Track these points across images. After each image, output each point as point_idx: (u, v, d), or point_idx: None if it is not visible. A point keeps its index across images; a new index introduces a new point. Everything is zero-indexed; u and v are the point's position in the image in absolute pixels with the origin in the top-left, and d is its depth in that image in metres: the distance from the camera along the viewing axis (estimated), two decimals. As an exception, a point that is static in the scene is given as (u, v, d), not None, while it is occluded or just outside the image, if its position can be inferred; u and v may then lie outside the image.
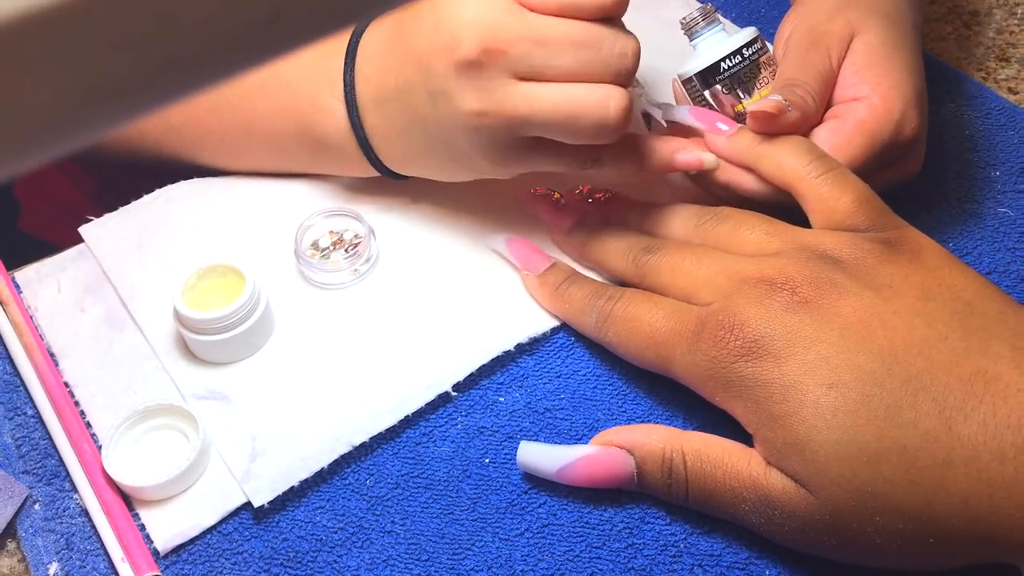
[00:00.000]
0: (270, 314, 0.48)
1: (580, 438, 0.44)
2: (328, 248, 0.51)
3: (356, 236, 0.51)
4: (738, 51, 0.48)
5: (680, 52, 0.51)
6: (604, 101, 0.42)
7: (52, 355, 0.48)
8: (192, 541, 0.42)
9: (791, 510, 0.37)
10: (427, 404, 0.45)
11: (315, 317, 0.49)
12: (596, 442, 0.42)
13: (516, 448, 0.44)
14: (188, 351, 0.48)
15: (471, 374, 0.46)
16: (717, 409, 0.41)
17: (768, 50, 0.49)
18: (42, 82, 0.14)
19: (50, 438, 0.45)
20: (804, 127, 0.46)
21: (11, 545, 0.43)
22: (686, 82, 0.50)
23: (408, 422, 0.45)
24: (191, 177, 0.55)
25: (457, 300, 0.49)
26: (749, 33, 0.49)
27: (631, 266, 0.45)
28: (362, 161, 0.49)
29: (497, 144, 0.44)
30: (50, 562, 0.42)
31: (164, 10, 0.14)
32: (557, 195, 0.51)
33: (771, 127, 0.45)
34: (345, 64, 0.47)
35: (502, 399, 0.46)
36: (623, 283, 0.47)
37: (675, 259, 0.44)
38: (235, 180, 0.55)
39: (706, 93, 0.49)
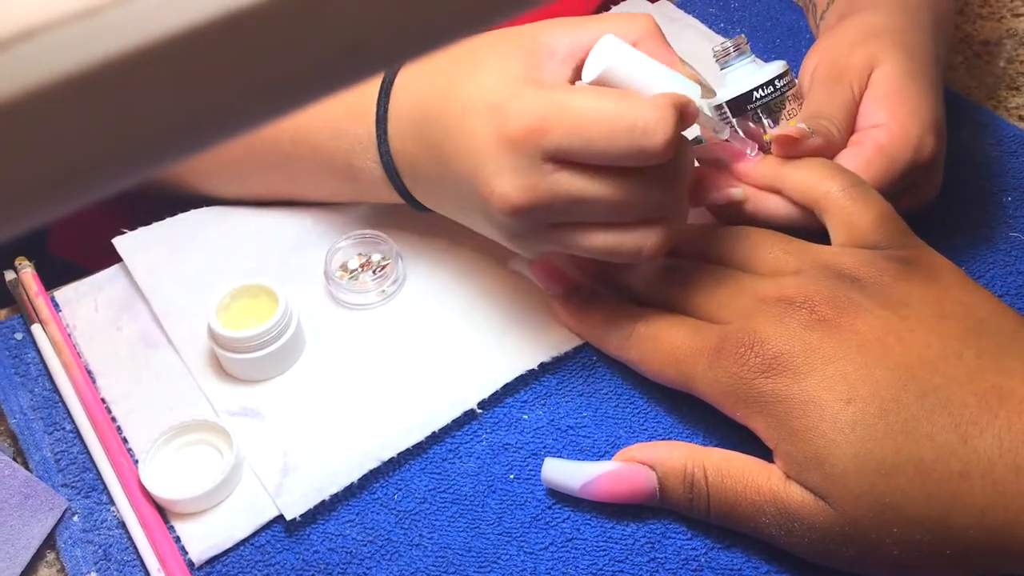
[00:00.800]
0: (301, 333, 0.50)
1: (603, 455, 0.45)
2: (356, 270, 0.52)
3: (384, 258, 0.52)
4: (770, 82, 0.50)
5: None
6: (637, 244, 0.43)
7: (90, 372, 0.50)
8: (226, 552, 0.43)
9: (811, 522, 0.38)
10: (453, 421, 0.46)
11: (344, 336, 0.50)
12: (619, 459, 0.43)
13: (540, 464, 0.45)
14: (221, 369, 0.49)
15: (496, 392, 0.47)
16: (737, 425, 0.42)
17: (795, 83, 0.51)
18: (138, 117, 0.15)
19: (88, 453, 0.47)
20: (828, 153, 0.47)
21: (50, 556, 0.44)
22: (717, 108, 0.51)
23: (435, 438, 0.46)
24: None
25: (481, 320, 0.50)
26: (780, 66, 0.50)
27: (654, 286, 0.47)
28: (391, 190, 0.49)
29: (531, 252, 0.46)
30: (88, 572, 0.43)
31: (246, 43, 0.15)
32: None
33: (794, 151, 0.46)
34: (378, 113, 0.47)
35: (526, 416, 0.47)
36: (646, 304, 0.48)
37: (696, 279, 0.45)
38: (267, 208, 0.56)
39: (735, 121, 0.50)
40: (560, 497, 0.44)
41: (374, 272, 0.52)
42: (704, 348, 0.42)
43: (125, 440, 0.47)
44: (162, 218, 0.56)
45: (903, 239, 0.43)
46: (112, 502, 0.45)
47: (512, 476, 0.45)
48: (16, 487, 0.43)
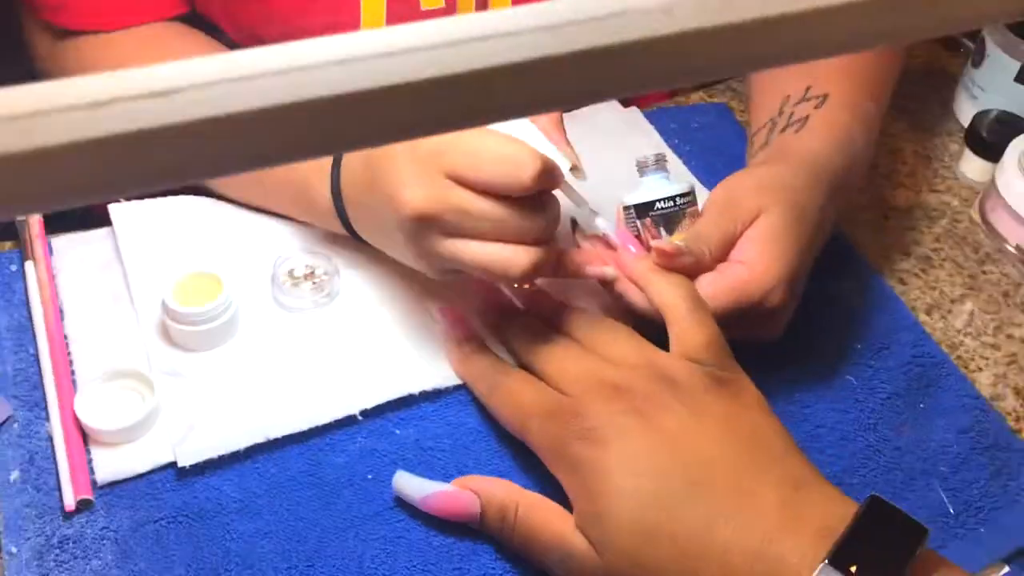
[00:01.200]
0: (236, 320, 0.59)
1: (448, 476, 0.54)
2: (300, 278, 0.62)
3: (324, 273, 0.62)
4: (672, 198, 0.59)
5: (629, 184, 0.62)
6: (510, 260, 0.52)
7: (61, 311, 0.60)
8: (124, 481, 0.53)
9: (584, 567, 0.47)
10: (336, 420, 0.56)
11: (272, 331, 0.60)
12: (457, 483, 0.52)
13: (394, 471, 0.54)
14: (166, 334, 0.59)
15: (379, 405, 0.56)
16: (553, 477, 0.51)
17: (696, 204, 0.60)
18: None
19: (40, 375, 0.57)
20: (695, 272, 0.56)
21: (-12, 450, 0.54)
22: (626, 208, 0.61)
23: (318, 431, 0.55)
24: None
25: (387, 343, 0.60)
26: (685, 186, 0.60)
27: (527, 348, 0.56)
28: (339, 224, 0.60)
29: (432, 267, 0.55)
30: (14, 469, 0.53)
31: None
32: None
33: (668, 264, 0.55)
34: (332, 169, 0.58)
35: (398, 431, 0.56)
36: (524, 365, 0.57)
37: (561, 354, 0.54)
38: (246, 210, 0.66)
39: (638, 222, 0.60)
40: (404, 504, 0.53)
41: (313, 283, 0.61)
42: (542, 409, 0.51)
43: (73, 372, 0.57)
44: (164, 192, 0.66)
45: (724, 361, 0.52)
46: (48, 419, 0.55)
47: (370, 476, 0.54)
48: (-26, 388, 0.53)
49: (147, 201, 0.65)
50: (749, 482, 0.46)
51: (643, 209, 0.59)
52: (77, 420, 0.54)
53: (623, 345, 0.53)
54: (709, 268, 0.56)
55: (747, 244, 0.57)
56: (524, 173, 0.50)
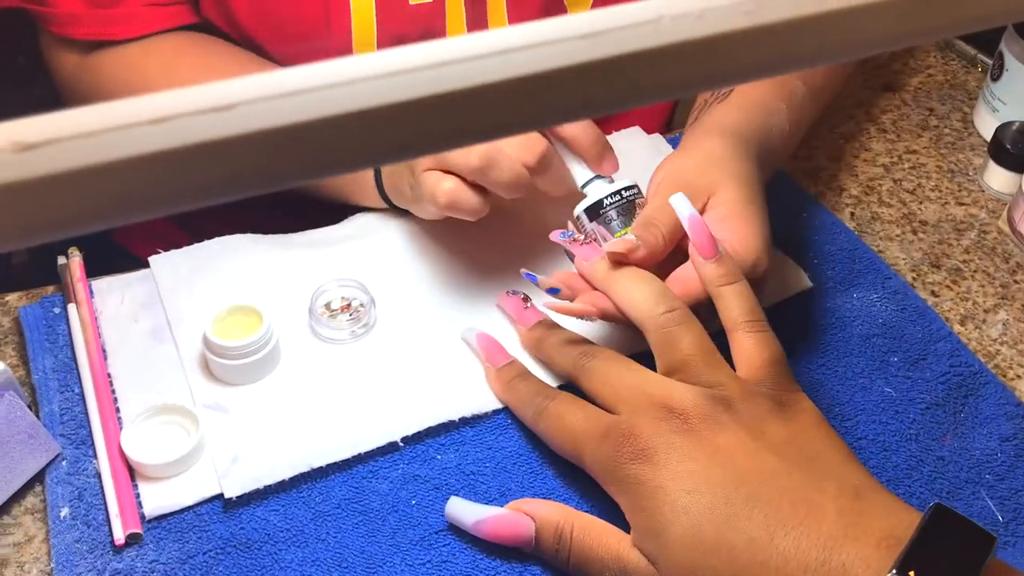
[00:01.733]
0: (277, 353, 0.60)
1: (492, 500, 0.55)
2: (337, 310, 0.63)
3: (361, 304, 0.63)
4: (617, 192, 0.61)
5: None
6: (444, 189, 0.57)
7: (104, 351, 0.61)
8: (172, 514, 0.53)
9: None
10: (378, 448, 0.56)
11: (313, 363, 0.61)
12: (510, 507, 0.52)
13: (440, 496, 0.54)
14: (207, 369, 0.60)
15: (419, 431, 0.57)
16: (608, 496, 0.51)
17: (643, 196, 0.61)
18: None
19: (86, 413, 0.58)
20: (650, 262, 0.56)
21: (37, 488, 0.55)
22: (577, 219, 0.62)
23: (360, 459, 0.56)
24: (248, 230, 0.68)
25: (426, 371, 0.60)
26: (628, 180, 0.61)
27: (571, 367, 0.56)
28: (378, 196, 0.67)
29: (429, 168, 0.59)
30: (63, 506, 0.53)
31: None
32: (524, 299, 0.62)
33: (622, 261, 0.56)
34: None
35: (439, 456, 0.57)
36: (567, 381, 0.57)
37: (606, 369, 0.54)
38: (278, 242, 0.68)
39: (591, 226, 0.61)
40: (447, 528, 0.53)
41: (350, 315, 0.62)
42: (594, 432, 0.51)
43: (118, 409, 0.58)
44: (202, 226, 0.67)
45: (784, 382, 0.51)
46: (95, 456, 0.55)
47: (414, 502, 0.55)
48: (24, 427, 0.54)
49: (185, 249, 0.67)
50: (808, 492, 0.46)
51: (593, 211, 0.61)
52: (124, 456, 0.55)
53: (699, 364, 0.52)
54: (663, 253, 0.57)
55: (717, 224, 0.57)
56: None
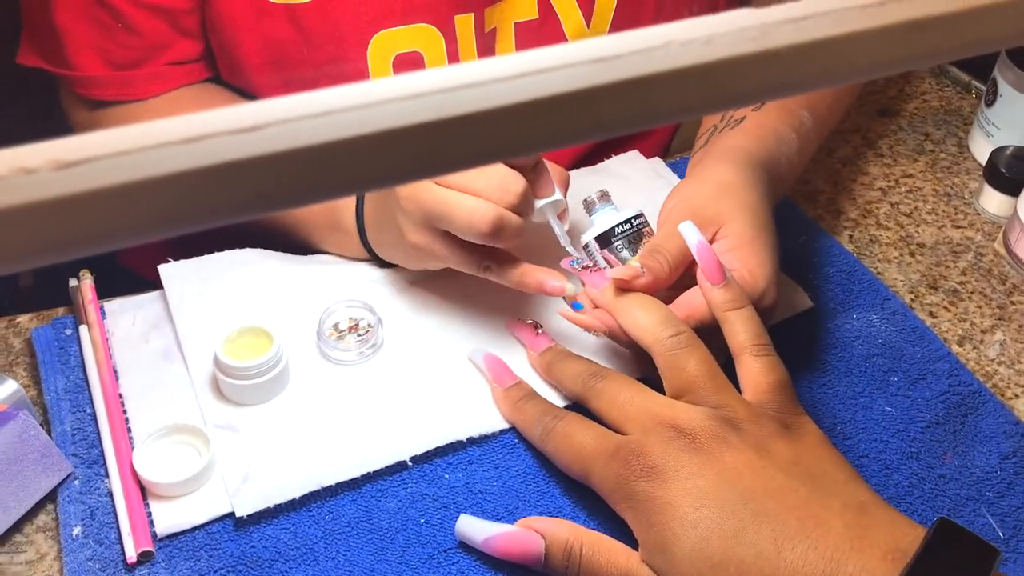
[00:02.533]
0: (287, 373, 0.61)
1: (500, 518, 0.55)
2: (345, 331, 0.64)
3: (368, 325, 0.64)
4: (627, 220, 0.63)
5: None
6: (473, 210, 0.55)
7: (115, 371, 0.62)
8: (184, 532, 0.54)
9: None
10: (387, 467, 0.57)
11: (322, 384, 0.62)
12: (520, 525, 0.53)
13: (449, 515, 0.55)
14: (218, 389, 0.61)
15: (428, 451, 0.58)
16: (613, 514, 0.52)
17: (649, 224, 0.63)
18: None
19: (98, 433, 0.58)
20: (655, 289, 0.57)
21: (50, 506, 0.55)
22: (586, 247, 0.63)
23: (369, 478, 0.57)
24: (258, 245, 0.69)
25: (433, 391, 0.61)
26: (635, 209, 0.63)
27: (581, 388, 0.57)
28: (359, 243, 0.66)
29: (417, 226, 0.58)
30: (76, 524, 0.54)
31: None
32: (535, 326, 0.63)
33: (626, 288, 0.57)
34: None
35: (447, 476, 0.57)
36: (575, 402, 0.58)
37: (615, 390, 0.55)
38: (287, 258, 0.69)
39: (600, 254, 0.62)
40: (455, 546, 0.54)
41: (358, 336, 0.63)
42: (603, 451, 0.52)
43: (129, 429, 0.59)
44: (210, 247, 0.68)
45: (788, 405, 0.52)
46: (107, 475, 0.56)
47: (423, 520, 0.55)
48: (37, 447, 0.54)
49: (195, 260, 0.68)
50: (814, 508, 0.47)
51: (604, 239, 0.62)
52: (136, 475, 0.55)
53: (705, 387, 0.53)
54: (668, 281, 0.58)
55: (727, 255, 0.58)
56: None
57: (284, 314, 0.65)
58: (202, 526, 0.54)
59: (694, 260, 0.57)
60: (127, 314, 0.65)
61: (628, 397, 0.54)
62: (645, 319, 0.55)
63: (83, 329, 0.64)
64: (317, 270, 0.68)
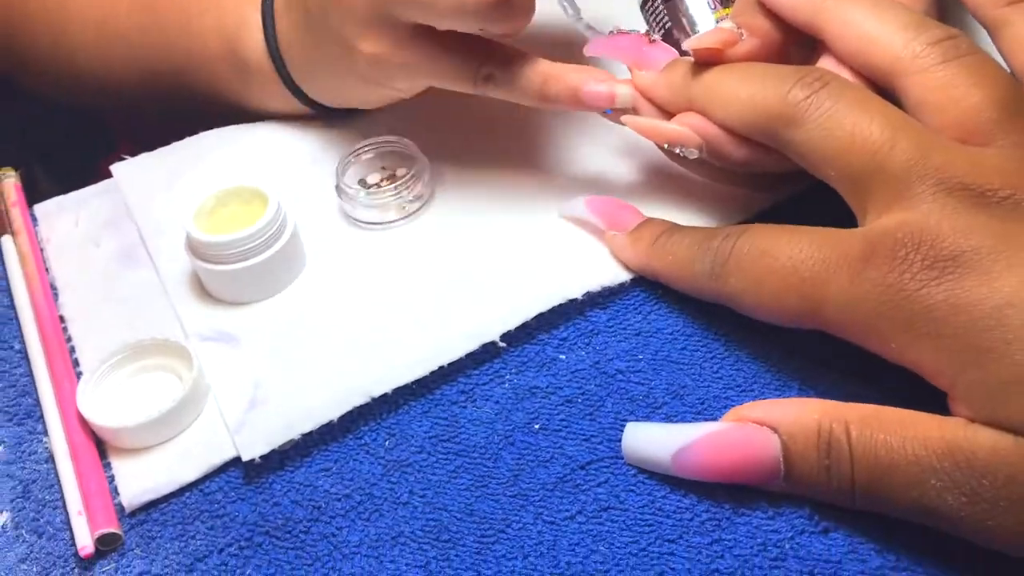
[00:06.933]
0: (299, 249, 0.41)
1: (660, 407, 0.34)
2: (376, 185, 0.43)
3: (409, 173, 0.43)
4: None
5: None
6: None
7: (54, 289, 0.42)
8: (166, 499, 0.34)
9: (1010, 473, 0.26)
10: (468, 356, 0.36)
11: (352, 257, 0.41)
12: (729, 418, 0.32)
13: (575, 414, 0.34)
14: (202, 290, 0.40)
15: (526, 323, 0.37)
16: (854, 377, 0.31)
17: None
18: None
19: (31, 375, 0.39)
20: (768, 58, 0.36)
21: (-36, 490, 0.36)
22: (645, 2, 0.42)
23: (444, 376, 0.36)
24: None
25: (518, 245, 0.40)
26: None
27: (781, 105, 0.33)
28: (279, 83, 0.44)
29: (371, 25, 0.38)
30: (2, 511, 0.34)
31: None
32: (646, 33, 0.40)
33: (718, 59, 0.36)
34: None
35: (563, 356, 0.36)
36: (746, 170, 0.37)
37: (853, 100, 0.32)
38: (289, 124, 0.48)
39: (662, 11, 0.41)
40: (600, 459, 0.33)
41: (396, 186, 0.42)
42: (842, 257, 0.30)
43: (76, 363, 0.39)
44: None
45: None
46: (46, 432, 0.36)
47: (538, 426, 0.34)
48: (-71, 402, 0.35)
49: (156, 152, 0.47)
50: None
51: None
52: (86, 424, 0.35)
53: (981, 89, 0.31)
54: (786, 47, 0.36)
55: None
56: None
57: (289, 181, 0.45)
58: (193, 485, 0.34)
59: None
60: (67, 214, 0.46)
61: (883, 118, 0.31)
62: (875, 25, 0.33)
63: (5, 239, 0.44)
64: (334, 126, 0.47)
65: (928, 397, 0.29)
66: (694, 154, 0.36)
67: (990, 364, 0.27)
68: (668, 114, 0.38)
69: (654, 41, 0.38)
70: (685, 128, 0.36)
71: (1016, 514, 0.26)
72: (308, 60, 0.43)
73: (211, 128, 0.48)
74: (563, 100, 0.39)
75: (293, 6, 0.42)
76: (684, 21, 0.41)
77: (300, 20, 0.42)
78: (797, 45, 0.37)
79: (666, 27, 0.41)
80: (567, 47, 0.45)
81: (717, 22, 0.39)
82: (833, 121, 0.31)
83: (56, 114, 0.67)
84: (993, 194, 0.29)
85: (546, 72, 0.39)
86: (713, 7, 0.41)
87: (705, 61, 0.36)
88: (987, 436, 0.27)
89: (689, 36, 0.40)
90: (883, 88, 0.33)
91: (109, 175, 0.47)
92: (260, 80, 0.45)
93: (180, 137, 0.48)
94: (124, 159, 0.47)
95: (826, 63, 0.35)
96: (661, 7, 0.41)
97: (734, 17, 0.37)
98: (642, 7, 0.42)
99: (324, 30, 0.40)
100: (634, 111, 0.39)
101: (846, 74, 0.34)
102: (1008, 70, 0.33)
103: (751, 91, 0.34)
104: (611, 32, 0.39)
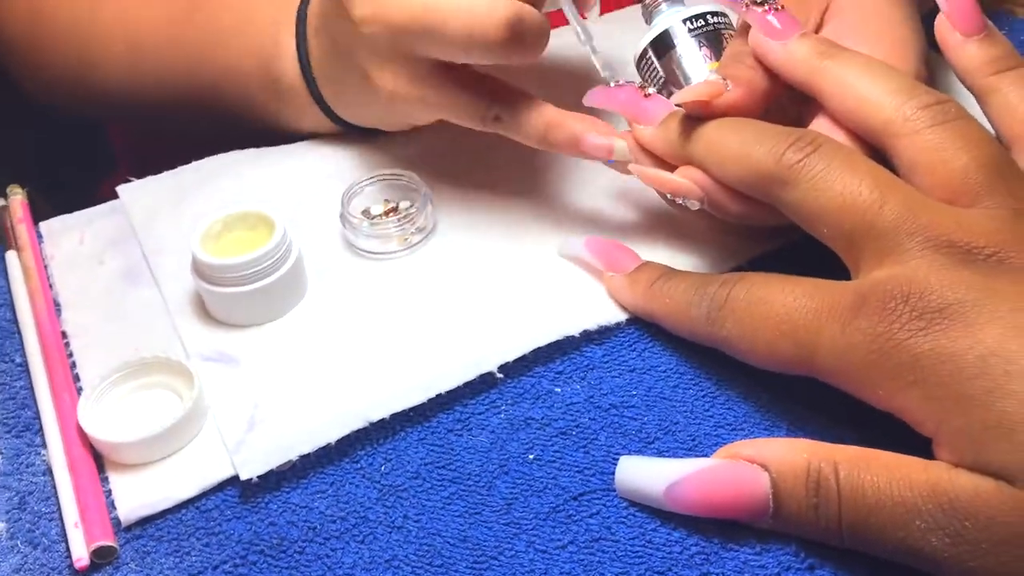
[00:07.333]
0: (302, 274, 0.41)
1: (652, 441, 0.35)
2: (379, 216, 0.44)
3: (412, 206, 0.44)
4: (701, 15, 0.42)
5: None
6: (474, 6, 0.36)
7: (57, 305, 0.43)
8: (162, 515, 0.34)
9: (990, 516, 0.27)
10: (466, 385, 0.37)
11: (354, 285, 0.42)
12: (721, 455, 0.32)
13: (571, 444, 0.35)
14: (204, 310, 0.41)
15: (524, 357, 0.38)
16: (841, 421, 0.33)
17: (733, 27, 0.42)
18: None
19: (31, 388, 0.39)
20: (754, 107, 0.37)
21: (-41, 500, 0.36)
22: (640, 58, 0.43)
23: (441, 404, 0.37)
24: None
25: (518, 279, 0.41)
26: (712, 4, 0.43)
27: (775, 167, 0.34)
28: (311, 103, 0.47)
29: (390, 61, 0.40)
30: (-3, 522, 0.35)
31: None
32: (641, 87, 0.41)
33: (705, 110, 0.37)
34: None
35: (558, 390, 0.37)
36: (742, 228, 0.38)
37: (843, 162, 0.33)
38: (293, 147, 0.49)
39: (659, 63, 0.42)
40: (593, 491, 0.34)
41: (399, 218, 0.43)
42: (836, 306, 0.31)
43: (77, 378, 0.39)
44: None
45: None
46: (44, 444, 0.37)
47: (532, 457, 0.35)
48: (-70, 410, 0.35)
49: (161, 175, 0.48)
50: None
51: (662, 45, 0.42)
52: (85, 438, 0.36)
53: (968, 153, 0.33)
54: (771, 96, 0.38)
55: (848, 37, 0.39)
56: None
57: (294, 208, 0.46)
58: (191, 502, 0.35)
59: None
60: (72, 232, 0.46)
61: (873, 180, 0.32)
62: (869, 88, 0.34)
63: (10, 255, 0.45)
64: (340, 152, 0.49)
65: (913, 442, 0.30)
66: (695, 205, 0.38)
67: (973, 411, 0.28)
68: (670, 166, 0.39)
69: (649, 95, 0.40)
70: (687, 181, 0.37)
71: (997, 556, 0.27)
72: (335, 85, 0.45)
73: (225, 151, 0.49)
74: (564, 147, 0.40)
75: (322, 34, 0.44)
76: (678, 74, 0.42)
77: (328, 49, 0.44)
78: (788, 93, 0.38)
79: (660, 81, 0.43)
80: (580, 78, 0.46)
81: (710, 74, 0.41)
82: (825, 183, 0.33)
83: (56, 134, 0.67)
84: (979, 252, 0.30)
85: (550, 119, 0.40)
86: (707, 60, 0.42)
87: (694, 113, 0.37)
88: (969, 480, 0.27)
89: (654, 93, 0.42)
90: (876, 148, 0.35)
91: (109, 196, 0.48)
92: (293, 99, 0.47)
93: (186, 159, 0.49)
94: (129, 181, 0.48)
95: (820, 123, 0.37)
96: (655, 63, 0.43)
97: (721, 69, 0.39)
98: (636, 64, 0.44)
99: (348, 61, 0.42)
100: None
101: (839, 134, 0.36)
102: (994, 135, 0.35)
103: (746, 152, 0.35)
104: (612, 83, 0.41)
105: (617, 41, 0.47)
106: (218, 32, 0.49)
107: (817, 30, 0.40)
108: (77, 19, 0.54)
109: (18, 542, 0.34)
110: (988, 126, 0.35)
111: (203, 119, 0.52)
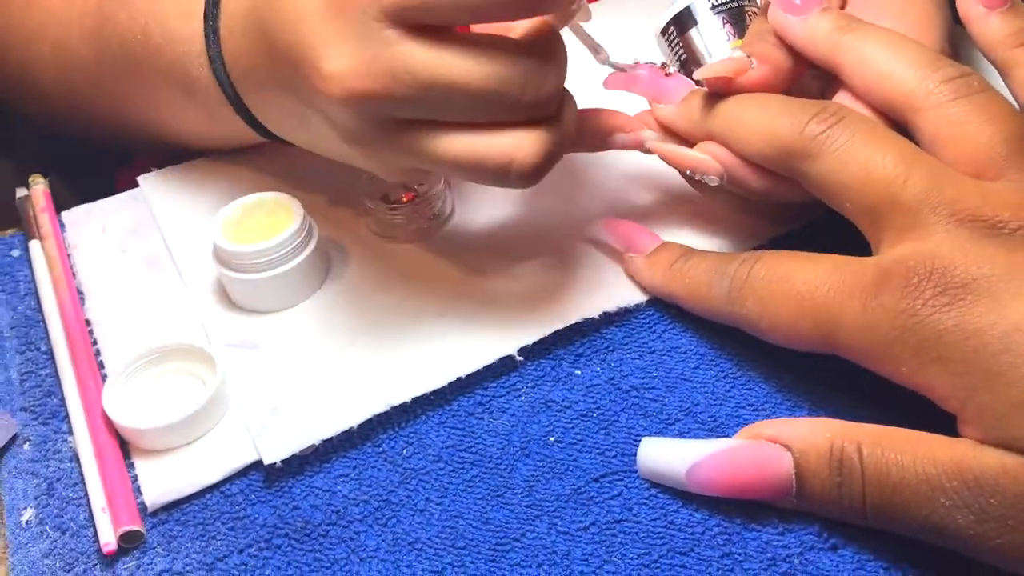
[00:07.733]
0: (323, 260, 0.42)
1: (673, 423, 0.35)
2: (397, 201, 0.44)
3: (430, 189, 0.44)
4: None
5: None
6: (510, 152, 0.33)
7: (81, 293, 0.43)
8: (188, 499, 0.35)
9: (1017, 492, 0.27)
10: (487, 368, 0.37)
11: (374, 270, 0.42)
12: (742, 435, 0.32)
13: (590, 428, 0.35)
14: (226, 297, 0.41)
15: (544, 339, 0.38)
16: (863, 400, 0.32)
17: (757, 5, 0.42)
18: None
19: (57, 376, 0.39)
20: (778, 85, 0.37)
21: (-11, 486, 0.37)
22: (662, 34, 0.43)
23: (462, 387, 0.37)
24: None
25: (536, 263, 0.41)
26: None
27: (798, 139, 0.34)
28: (224, 108, 0.41)
29: (388, 169, 0.37)
30: (25, 507, 0.35)
31: None
32: (662, 66, 0.41)
33: (727, 87, 0.37)
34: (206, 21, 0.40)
35: (579, 372, 0.37)
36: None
37: (867, 134, 0.32)
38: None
39: (690, 33, 0.41)
40: (614, 472, 0.34)
41: (415, 204, 0.43)
42: (857, 283, 0.31)
43: (101, 365, 0.40)
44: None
45: None
46: (71, 431, 0.37)
47: (553, 439, 0.35)
48: (-42, 398, 0.36)
49: (183, 165, 0.48)
50: None
51: (683, 21, 0.41)
52: (110, 424, 0.36)
53: (992, 125, 0.32)
54: (794, 75, 0.37)
55: (868, 11, 0.38)
56: None
57: (313, 191, 0.46)
58: (215, 487, 0.35)
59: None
60: (94, 221, 0.47)
61: (898, 151, 0.32)
62: (890, 61, 0.34)
63: (34, 244, 0.45)
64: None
65: (937, 420, 0.29)
66: (715, 182, 0.37)
67: (999, 387, 0.27)
68: (690, 144, 0.39)
69: (670, 74, 0.40)
70: (707, 156, 0.37)
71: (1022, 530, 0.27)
72: (270, 104, 0.40)
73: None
74: (593, 146, 0.40)
75: (247, 43, 0.38)
76: (700, 51, 0.42)
77: (261, 63, 0.38)
78: (810, 71, 0.38)
79: (682, 58, 0.42)
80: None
81: (732, 51, 0.40)
82: (848, 155, 0.32)
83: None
84: (1004, 226, 0.30)
85: (581, 121, 0.39)
86: (729, 37, 0.42)
87: (717, 90, 0.37)
88: (995, 456, 0.27)
89: (673, 71, 0.41)
90: (898, 123, 0.35)
91: (124, 187, 0.48)
92: (207, 101, 0.42)
93: (200, 150, 0.49)
94: (150, 171, 0.49)
95: (842, 98, 0.37)
96: (677, 38, 0.42)
97: (745, 46, 0.38)
98: (660, 36, 0.43)
99: (299, 109, 0.37)
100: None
101: (862, 109, 0.36)
102: (1018, 107, 0.35)
103: (769, 125, 0.35)
104: (632, 64, 0.40)
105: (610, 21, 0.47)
106: (129, 34, 0.44)
107: (841, 7, 0.40)
108: (10, 25, 0.51)
109: (47, 527, 0.34)
110: (1011, 99, 0.35)
111: (143, 136, 0.49)
